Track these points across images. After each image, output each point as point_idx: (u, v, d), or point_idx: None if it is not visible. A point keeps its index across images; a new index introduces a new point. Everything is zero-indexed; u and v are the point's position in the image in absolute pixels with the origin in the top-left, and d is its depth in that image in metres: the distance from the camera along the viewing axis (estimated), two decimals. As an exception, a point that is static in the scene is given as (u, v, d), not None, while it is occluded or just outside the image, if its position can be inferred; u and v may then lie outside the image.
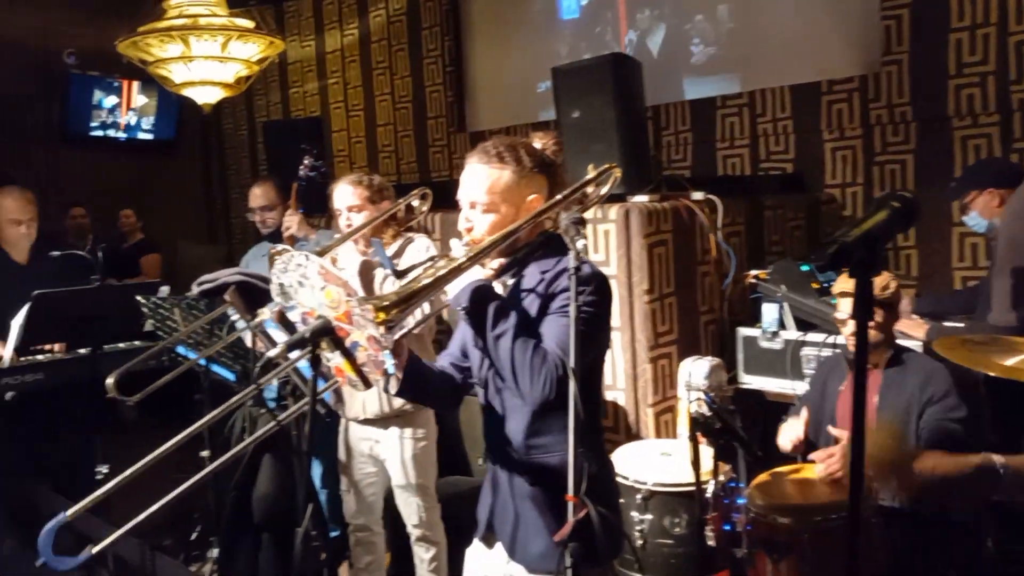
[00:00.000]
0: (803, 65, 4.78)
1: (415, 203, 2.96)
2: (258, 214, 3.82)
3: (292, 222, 3.56)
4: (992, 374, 2.08)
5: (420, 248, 2.82)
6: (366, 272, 2.64)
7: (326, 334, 1.47)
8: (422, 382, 1.86)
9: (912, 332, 3.13)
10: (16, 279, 3.71)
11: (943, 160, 4.23)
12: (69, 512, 1.51)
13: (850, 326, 2.70)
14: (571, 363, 1.51)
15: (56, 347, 3.77)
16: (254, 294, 2.25)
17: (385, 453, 2.82)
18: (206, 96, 5.59)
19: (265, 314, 2.00)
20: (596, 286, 1.76)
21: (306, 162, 3.70)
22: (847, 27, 4.66)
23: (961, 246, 4.18)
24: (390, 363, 1.58)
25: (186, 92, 5.53)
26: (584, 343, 1.57)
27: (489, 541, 1.93)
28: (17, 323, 3.44)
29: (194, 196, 8.42)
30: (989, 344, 2.25)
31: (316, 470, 3.26)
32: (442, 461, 2.96)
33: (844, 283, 2.76)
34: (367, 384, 1.51)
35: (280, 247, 1.86)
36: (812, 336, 3.32)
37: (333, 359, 1.54)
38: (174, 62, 5.26)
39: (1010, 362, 2.07)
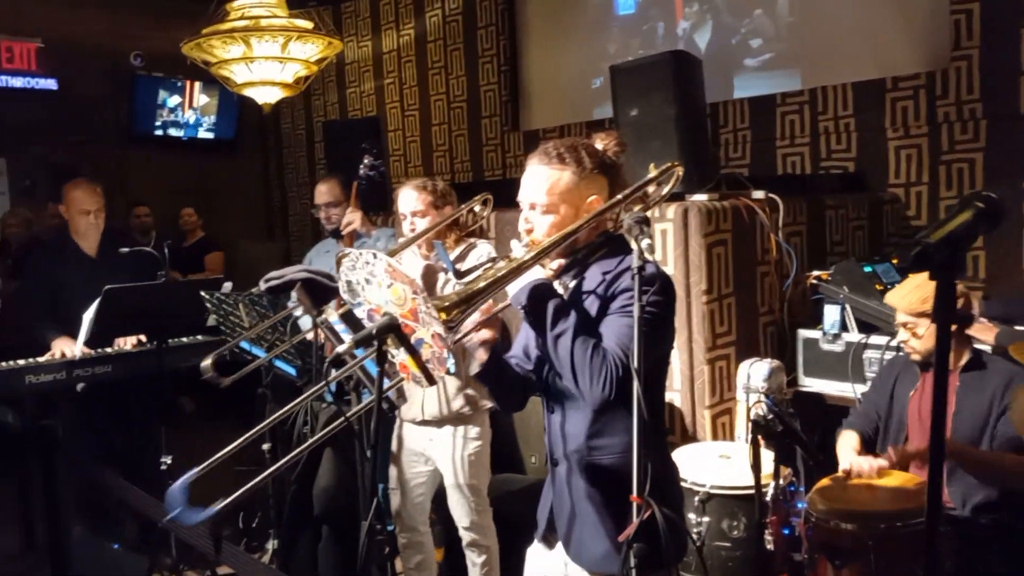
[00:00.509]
0: (866, 62, 4.68)
1: (477, 208, 2.98)
2: (323, 210, 3.88)
3: (354, 218, 3.62)
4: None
5: (482, 254, 2.84)
6: (429, 276, 2.66)
7: (392, 331, 1.49)
8: (502, 372, 1.86)
9: (981, 336, 3.04)
10: (88, 272, 3.83)
11: (1014, 159, 4.09)
12: (195, 471, 1.61)
13: (900, 334, 2.66)
14: (635, 364, 1.50)
15: (130, 341, 3.88)
16: (319, 291, 2.29)
17: (438, 452, 2.83)
18: (266, 96, 5.71)
19: (330, 311, 2.03)
20: (660, 286, 1.74)
21: (366, 161, 3.75)
22: (913, 22, 4.54)
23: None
24: (451, 363, 1.59)
25: (247, 92, 5.65)
26: (646, 343, 1.56)
27: (550, 542, 1.93)
28: (88, 317, 3.55)
29: (253, 194, 8.60)
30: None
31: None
32: (495, 459, 2.97)
33: (890, 296, 2.73)
34: (431, 380, 1.52)
35: (347, 250, 1.88)
36: (875, 338, 3.25)
37: (398, 355, 1.56)
38: (236, 63, 5.38)
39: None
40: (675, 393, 3.32)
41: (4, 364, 3.62)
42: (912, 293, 2.61)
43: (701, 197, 3.35)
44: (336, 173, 4.24)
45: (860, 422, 2.82)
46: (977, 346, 2.86)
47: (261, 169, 8.71)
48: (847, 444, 2.74)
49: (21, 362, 3.65)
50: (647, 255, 1.58)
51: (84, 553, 2.94)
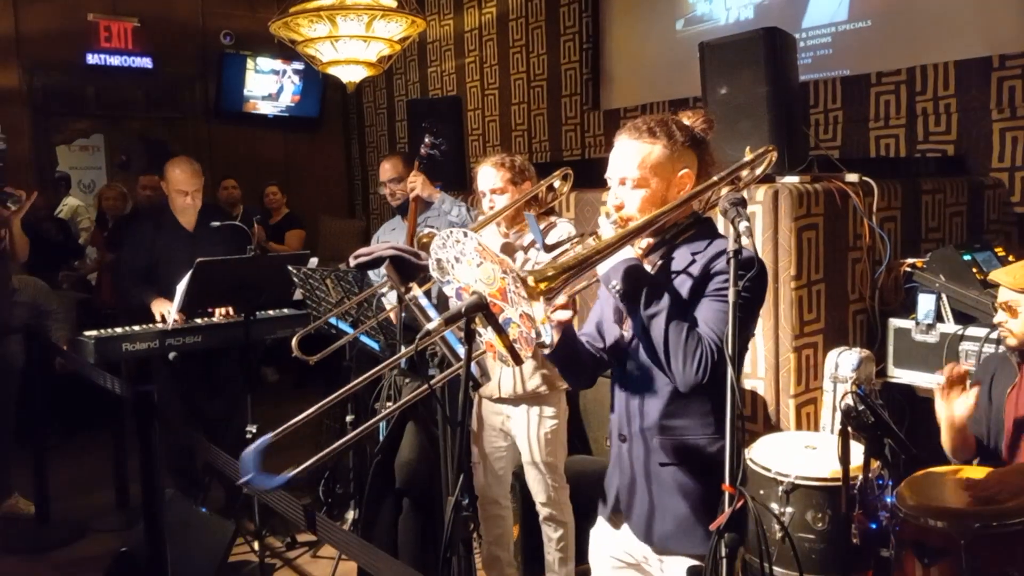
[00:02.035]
0: (971, 38, 4.43)
1: (556, 184, 2.95)
2: (387, 187, 3.93)
3: (416, 182, 3.65)
4: None
5: (563, 232, 2.82)
6: (506, 254, 2.66)
7: (481, 309, 1.49)
8: (575, 349, 1.86)
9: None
10: (184, 244, 3.98)
11: None
12: (271, 436, 1.65)
13: (1000, 314, 2.52)
14: (729, 351, 1.47)
15: (220, 312, 4.02)
16: (407, 267, 2.31)
17: (516, 429, 2.85)
18: (350, 75, 5.80)
19: (417, 288, 2.05)
20: (756, 271, 1.71)
21: (427, 140, 3.77)
22: (1024, -4, 4.28)
23: None
24: (547, 334, 1.55)
25: (332, 71, 5.74)
26: (739, 329, 1.53)
27: (616, 522, 1.92)
28: (181, 288, 3.69)
29: (335, 172, 8.77)
30: None
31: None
32: (568, 441, 2.97)
33: (998, 273, 2.57)
34: (518, 360, 1.52)
35: (429, 230, 1.89)
36: (973, 330, 3.10)
37: (486, 334, 1.56)
38: (322, 41, 5.46)
39: None
40: (759, 381, 3.25)
41: (103, 332, 3.80)
42: (1021, 268, 2.48)
43: (792, 179, 3.24)
44: (399, 151, 4.29)
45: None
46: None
47: (343, 147, 8.87)
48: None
49: (119, 330, 3.82)
50: (744, 238, 1.54)
51: (174, 514, 3.07)
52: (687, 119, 1.93)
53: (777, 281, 3.18)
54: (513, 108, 7.02)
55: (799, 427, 3.16)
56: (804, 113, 4.78)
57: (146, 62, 7.43)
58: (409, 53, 7.58)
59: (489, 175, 2.89)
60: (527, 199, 2.85)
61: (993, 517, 2.19)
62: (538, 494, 2.85)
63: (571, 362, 1.89)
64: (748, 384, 3.26)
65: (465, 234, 1.52)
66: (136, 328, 3.85)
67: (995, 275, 2.59)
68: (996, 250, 3.36)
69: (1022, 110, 4.19)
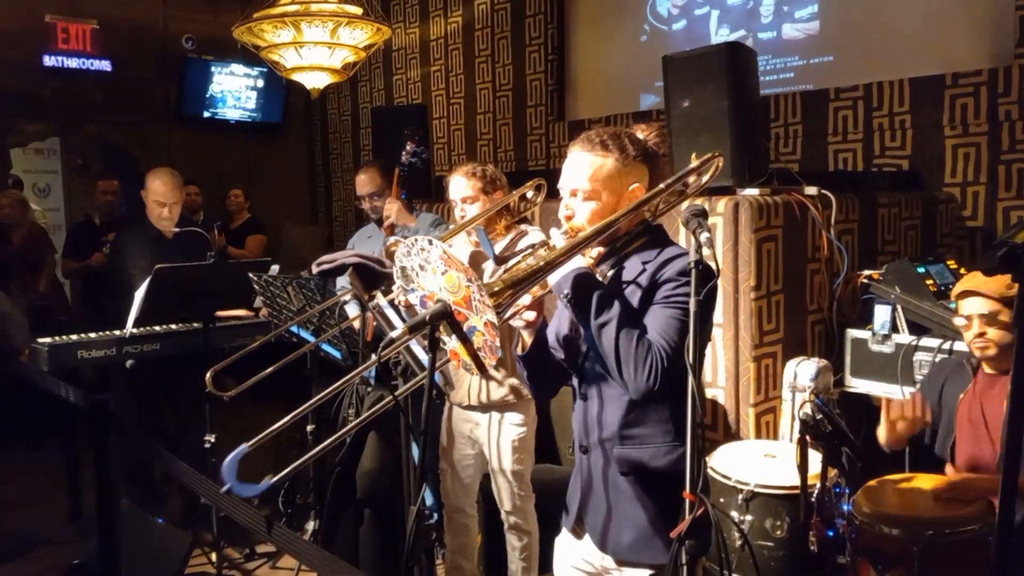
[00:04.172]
0: (926, 57, 4.56)
1: (529, 195, 2.95)
2: (366, 201, 3.87)
3: (391, 211, 3.60)
4: None
5: (533, 241, 2.81)
6: (476, 263, 2.66)
7: (445, 318, 1.49)
8: (544, 356, 1.87)
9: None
10: (158, 251, 3.92)
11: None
12: (246, 445, 1.64)
13: (975, 327, 2.53)
14: (690, 359, 1.49)
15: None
16: (370, 275, 2.30)
17: (484, 437, 2.85)
18: (314, 81, 5.76)
19: (380, 296, 2.04)
20: (710, 278, 1.73)
21: (408, 148, 3.75)
22: (976, 18, 4.41)
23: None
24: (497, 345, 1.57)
25: (296, 77, 5.70)
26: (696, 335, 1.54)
27: (578, 532, 1.93)
28: (139, 295, 3.62)
29: (298, 179, 8.70)
30: None
31: (417, 451, 3.33)
32: (535, 449, 2.97)
33: (968, 282, 2.60)
34: (482, 368, 1.52)
35: (395, 239, 1.88)
36: (927, 341, 3.17)
37: (450, 343, 1.56)
38: (286, 47, 5.42)
39: None
40: (719, 390, 3.29)
41: (57, 339, 3.72)
42: (991, 280, 2.49)
43: (752, 192, 3.30)
44: (376, 161, 4.25)
45: None
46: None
47: (306, 154, 8.80)
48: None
49: (74, 337, 3.74)
50: (705, 249, 1.56)
51: (130, 525, 3.01)
52: (641, 132, 1.94)
53: (737, 292, 3.22)
54: (479, 117, 7.03)
55: (758, 435, 3.21)
56: (765, 127, 4.88)
57: (105, 65, 7.30)
58: (374, 60, 7.56)
59: (461, 184, 2.89)
60: (499, 209, 2.85)
61: (946, 524, 2.24)
62: (504, 502, 2.84)
63: (540, 368, 1.91)
64: (709, 393, 3.30)
65: (430, 242, 1.52)
66: (92, 335, 3.77)
67: (969, 285, 2.55)
68: (948, 263, 3.45)
69: (973, 127, 4.32)
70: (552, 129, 6.55)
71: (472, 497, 2.97)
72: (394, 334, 1.51)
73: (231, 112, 7.95)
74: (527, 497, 2.85)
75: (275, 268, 3.49)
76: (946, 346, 3.06)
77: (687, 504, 1.36)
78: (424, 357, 1.92)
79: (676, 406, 1.63)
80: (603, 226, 1.73)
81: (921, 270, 3.38)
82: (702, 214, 1.68)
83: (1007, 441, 1.12)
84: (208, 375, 2.71)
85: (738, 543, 2.43)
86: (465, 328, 1.51)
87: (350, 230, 4.16)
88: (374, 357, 1.63)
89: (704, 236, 1.59)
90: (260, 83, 8.00)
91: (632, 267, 1.82)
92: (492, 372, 2.60)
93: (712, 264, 1.63)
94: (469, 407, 2.83)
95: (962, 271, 3.39)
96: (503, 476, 2.81)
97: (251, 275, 3.19)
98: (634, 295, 1.77)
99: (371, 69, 7.79)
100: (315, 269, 2.43)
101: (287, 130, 8.45)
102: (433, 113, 7.25)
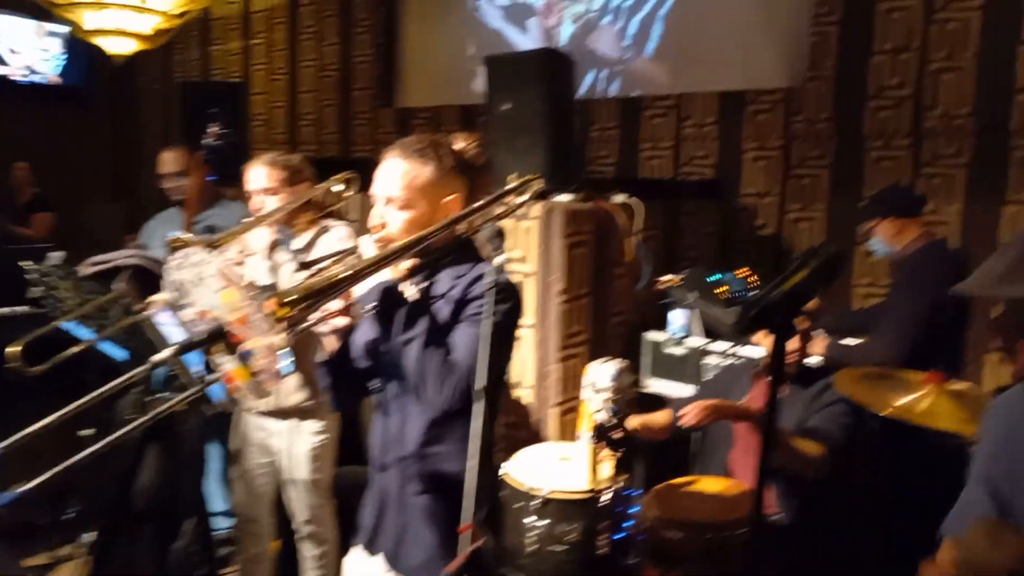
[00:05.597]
0: (733, 72, 4.84)
1: (338, 188, 2.81)
2: (168, 181, 3.62)
3: (194, 199, 3.36)
4: (883, 413, 2.17)
5: (336, 238, 2.71)
6: (275, 252, 2.53)
7: (219, 339, 1.40)
8: (348, 366, 1.82)
9: (814, 349, 3.21)
10: None
11: (856, 178, 4.35)
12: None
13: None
14: (481, 382, 1.48)
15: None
16: (150, 278, 2.12)
17: (279, 445, 2.73)
18: (119, 47, 5.30)
19: (156, 305, 1.88)
20: (510, 296, 1.74)
21: (213, 130, 3.53)
22: (776, 39, 4.74)
23: (861, 263, 4.32)
24: (288, 362, 1.50)
25: (97, 40, 5.22)
26: (495, 356, 1.54)
27: (371, 549, 1.90)
28: None
29: (101, 151, 7.99)
30: (885, 379, 2.34)
31: (214, 461, 3.15)
32: (342, 451, 2.90)
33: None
34: (260, 394, 1.44)
35: (179, 234, 1.73)
36: (716, 345, 3.39)
37: (226, 363, 1.47)
38: (85, 7, 4.95)
39: (900, 401, 2.15)
40: (526, 391, 3.35)
41: None
42: None
43: (566, 198, 3.37)
44: (184, 141, 3.98)
45: (681, 407, 2.92)
46: (807, 360, 3.03)
47: (112, 125, 8.10)
48: (654, 414, 2.88)
49: None
50: (501, 274, 1.56)
51: None
52: (461, 142, 1.92)
53: (547, 294, 3.29)
54: (302, 96, 6.77)
55: (563, 435, 3.30)
56: (582, 133, 5.01)
57: None
58: (191, 28, 7.07)
59: (260, 175, 2.70)
60: (303, 202, 2.71)
61: (724, 527, 2.39)
62: (300, 512, 2.75)
63: (342, 376, 1.84)
64: (516, 393, 3.35)
65: (207, 255, 1.42)
66: None
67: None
68: (738, 272, 3.69)
69: (770, 141, 4.64)
70: (379, 115, 6.41)
71: (265, 507, 2.85)
72: (158, 357, 1.40)
73: (20, 73, 7.16)
74: (325, 505, 2.77)
75: (57, 255, 3.17)
76: (733, 351, 3.28)
77: (461, 538, 1.36)
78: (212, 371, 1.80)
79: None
80: (416, 239, 1.70)
81: (715, 278, 3.60)
82: (500, 235, 1.68)
83: (758, 468, 1.16)
84: (15, 347, 2.38)
85: (532, 549, 2.47)
86: (243, 350, 1.42)
87: (152, 209, 3.86)
88: (137, 370, 1.51)
89: (500, 259, 1.59)
90: (58, 44, 7.27)
91: (444, 281, 1.80)
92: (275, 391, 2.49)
93: (516, 283, 1.64)
94: (264, 414, 2.70)
95: (753, 278, 3.64)
96: (299, 486, 2.72)
97: (24, 264, 2.87)
98: (444, 311, 1.76)
99: (188, 37, 7.29)
100: (88, 270, 2.21)
101: (90, 97, 7.73)
102: (254, 88, 6.89)
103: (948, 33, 4.08)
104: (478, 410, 1.43)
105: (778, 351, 1.11)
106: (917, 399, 2.36)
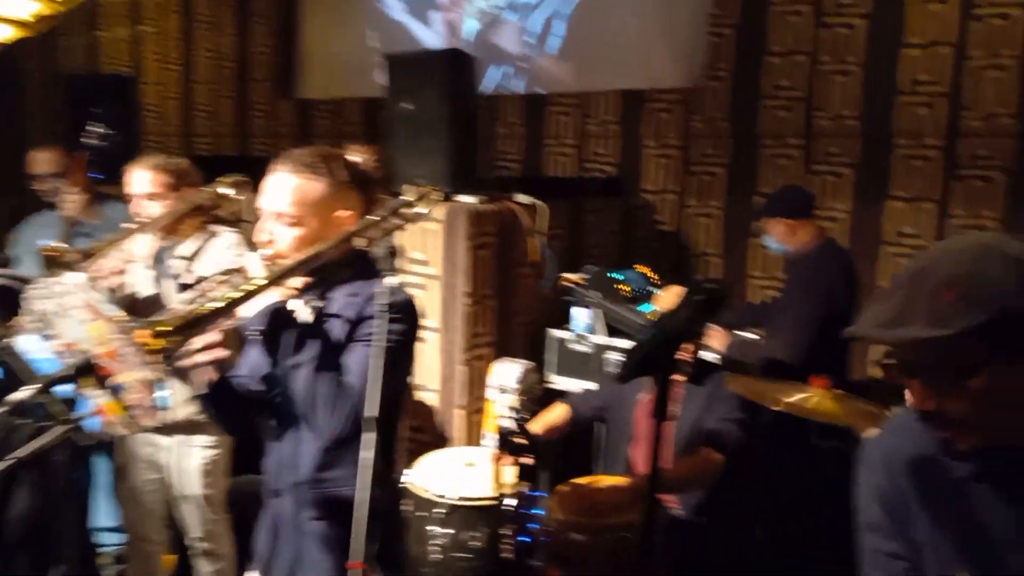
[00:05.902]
0: (634, 71, 4.90)
1: (227, 191, 2.69)
2: (44, 182, 3.40)
3: (72, 203, 3.17)
4: (775, 408, 2.24)
5: (224, 245, 2.60)
6: (158, 261, 2.42)
7: (86, 373, 1.32)
8: (230, 394, 1.73)
9: (712, 343, 3.29)
10: None
11: (751, 176, 4.48)
12: None
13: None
14: (372, 411, 1.44)
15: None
16: (14, 297, 1.97)
17: (167, 460, 2.62)
18: (-5, 34, 4.98)
19: (17, 332, 1.74)
20: (406, 314, 1.71)
21: (94, 129, 3.33)
22: (677, 40, 4.82)
23: (757, 257, 4.46)
24: (164, 394, 1.43)
25: (-33, 26, 4.89)
26: (390, 373, 1.51)
27: (266, 574, 1.85)
28: None
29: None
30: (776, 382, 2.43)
31: (102, 476, 3.00)
32: (245, 458, 2.79)
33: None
34: (135, 429, 1.37)
35: (50, 244, 1.60)
36: (618, 342, 3.43)
37: (98, 397, 1.39)
38: (-50, -9, 4.63)
39: (791, 399, 2.23)
40: (432, 393, 3.33)
41: None
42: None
43: (469, 199, 3.35)
44: (68, 138, 3.75)
45: (578, 402, 2.98)
46: (706, 355, 3.10)
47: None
48: (551, 413, 2.90)
49: None
50: (399, 292, 1.53)
51: None
52: (357, 155, 1.87)
53: (452, 296, 3.27)
54: (197, 87, 6.50)
55: (468, 436, 3.29)
56: (488, 130, 4.99)
57: None
58: (77, 14, 6.69)
59: (143, 179, 2.56)
60: (189, 208, 2.59)
61: (623, 528, 2.42)
62: (193, 528, 2.65)
63: (225, 406, 1.76)
64: (421, 395, 3.33)
65: (73, 287, 1.34)
66: None
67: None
68: (639, 269, 3.75)
69: (668, 139, 4.73)
70: (278, 107, 6.23)
71: (156, 524, 2.73)
72: (14, 397, 1.31)
73: None
74: (219, 520, 2.68)
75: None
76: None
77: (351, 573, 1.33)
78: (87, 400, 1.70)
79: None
80: (307, 258, 1.64)
81: (616, 276, 3.65)
82: (393, 254, 1.64)
83: (650, 449, 1.14)
84: None
85: (437, 557, 2.46)
86: (114, 384, 1.35)
87: (36, 215, 3.63)
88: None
89: (391, 281, 1.56)
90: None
91: (339, 300, 1.73)
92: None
93: (412, 299, 1.61)
94: (151, 430, 2.58)
95: (651, 275, 3.71)
96: (192, 502, 2.62)
97: None
98: (338, 330, 1.69)
99: (73, 23, 6.89)
100: (-56, 288, 2.06)
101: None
102: (146, 78, 6.58)
103: (837, 38, 4.24)
104: (368, 440, 1.40)
105: (662, 393, 1.10)
106: (806, 397, 2.52)
